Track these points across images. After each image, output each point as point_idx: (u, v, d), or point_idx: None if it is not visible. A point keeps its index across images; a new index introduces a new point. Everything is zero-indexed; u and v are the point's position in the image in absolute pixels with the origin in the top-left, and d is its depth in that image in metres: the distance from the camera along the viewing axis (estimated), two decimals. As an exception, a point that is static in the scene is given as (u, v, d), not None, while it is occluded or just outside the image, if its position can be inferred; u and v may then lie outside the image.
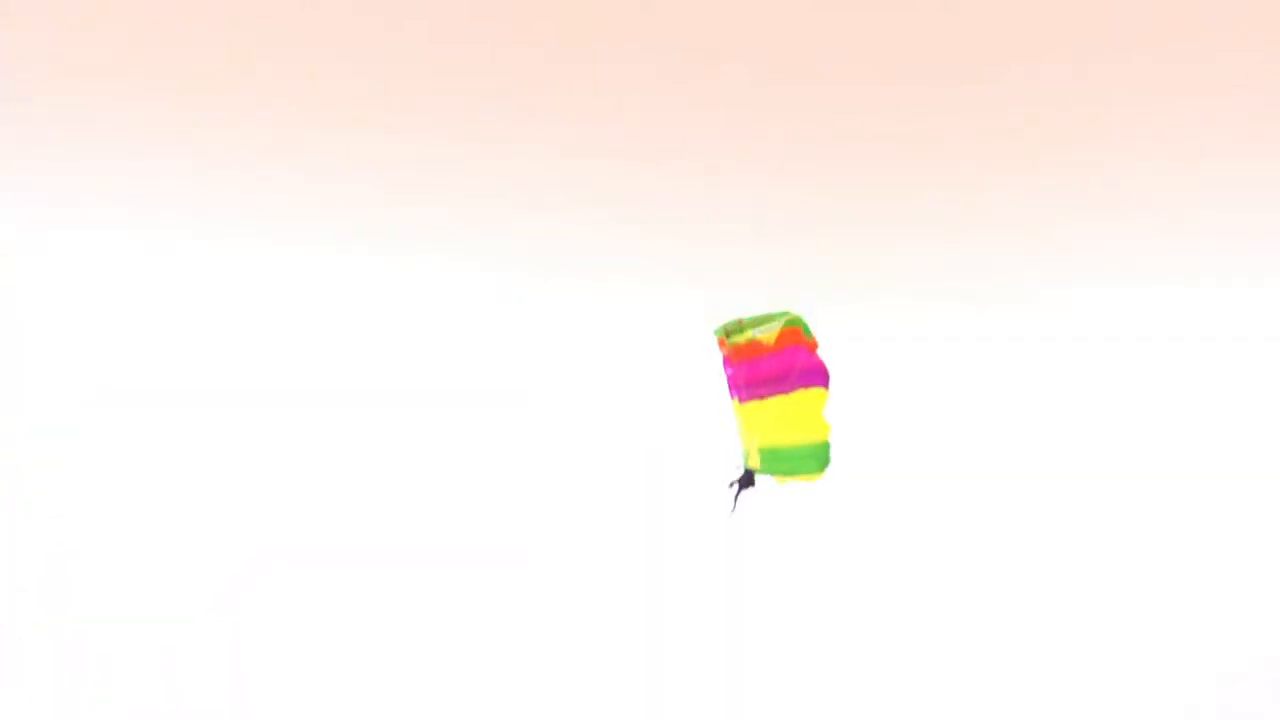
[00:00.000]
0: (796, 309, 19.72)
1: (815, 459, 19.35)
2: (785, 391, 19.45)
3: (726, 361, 19.25)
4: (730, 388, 19.28)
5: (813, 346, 19.51)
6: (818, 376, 19.58)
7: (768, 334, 19.21)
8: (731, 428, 19.70)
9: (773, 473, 18.91)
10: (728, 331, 18.89)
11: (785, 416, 19.20)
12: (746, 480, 22.98)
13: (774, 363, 19.39)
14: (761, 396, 19.23)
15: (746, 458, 19.25)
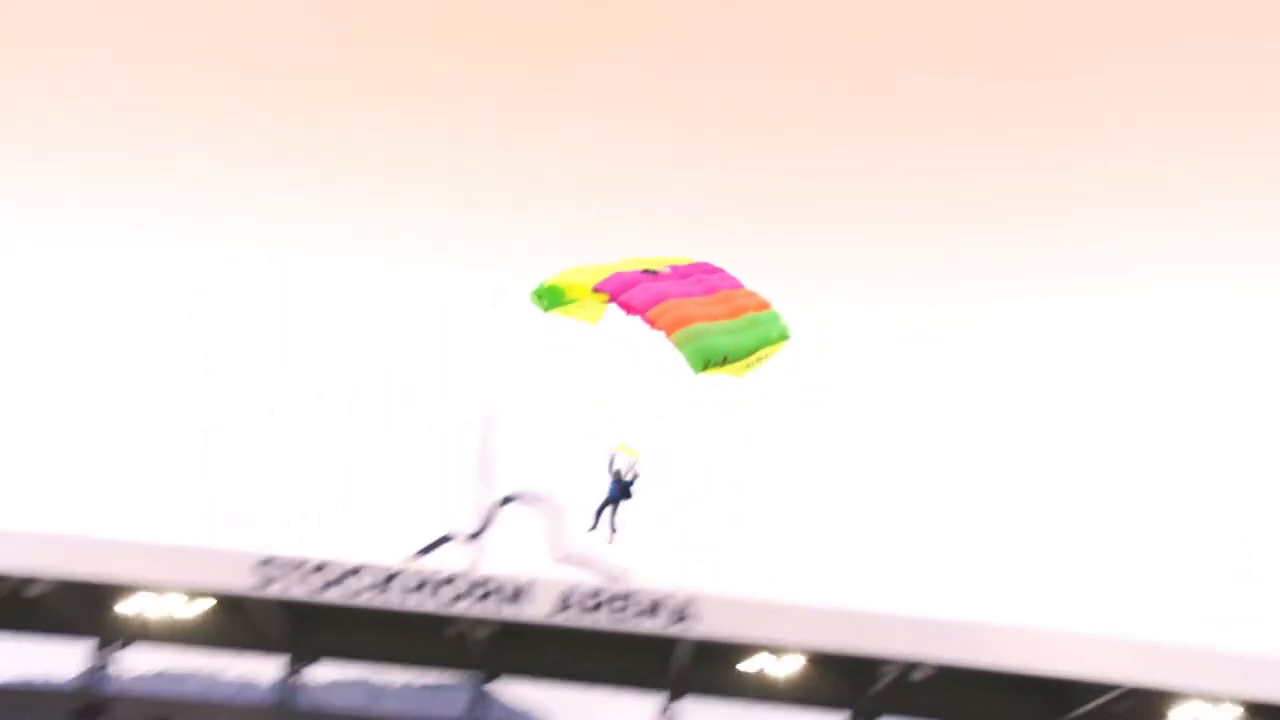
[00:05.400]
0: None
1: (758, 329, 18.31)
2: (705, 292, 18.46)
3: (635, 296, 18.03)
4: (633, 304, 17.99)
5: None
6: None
7: (744, 368, 18.49)
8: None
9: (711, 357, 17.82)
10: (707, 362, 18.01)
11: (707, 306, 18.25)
12: (623, 494, 21.62)
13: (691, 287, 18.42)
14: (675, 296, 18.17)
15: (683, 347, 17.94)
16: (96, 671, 56.84)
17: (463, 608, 48.78)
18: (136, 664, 59.06)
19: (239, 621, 53.19)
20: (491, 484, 60.29)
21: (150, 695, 58.82)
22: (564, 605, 48.80)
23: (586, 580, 52.85)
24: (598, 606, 48.79)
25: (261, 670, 60.05)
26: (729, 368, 18.60)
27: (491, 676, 58.67)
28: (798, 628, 50.29)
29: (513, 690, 64.74)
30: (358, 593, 48.37)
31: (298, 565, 48.21)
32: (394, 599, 48.31)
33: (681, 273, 18.95)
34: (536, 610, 48.95)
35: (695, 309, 18.35)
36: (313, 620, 53.78)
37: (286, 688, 57.60)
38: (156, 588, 49.85)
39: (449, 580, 48.71)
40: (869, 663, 51.48)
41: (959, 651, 49.86)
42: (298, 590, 48.28)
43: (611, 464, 21.47)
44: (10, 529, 49.92)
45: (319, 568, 48.34)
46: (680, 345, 18.06)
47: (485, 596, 48.43)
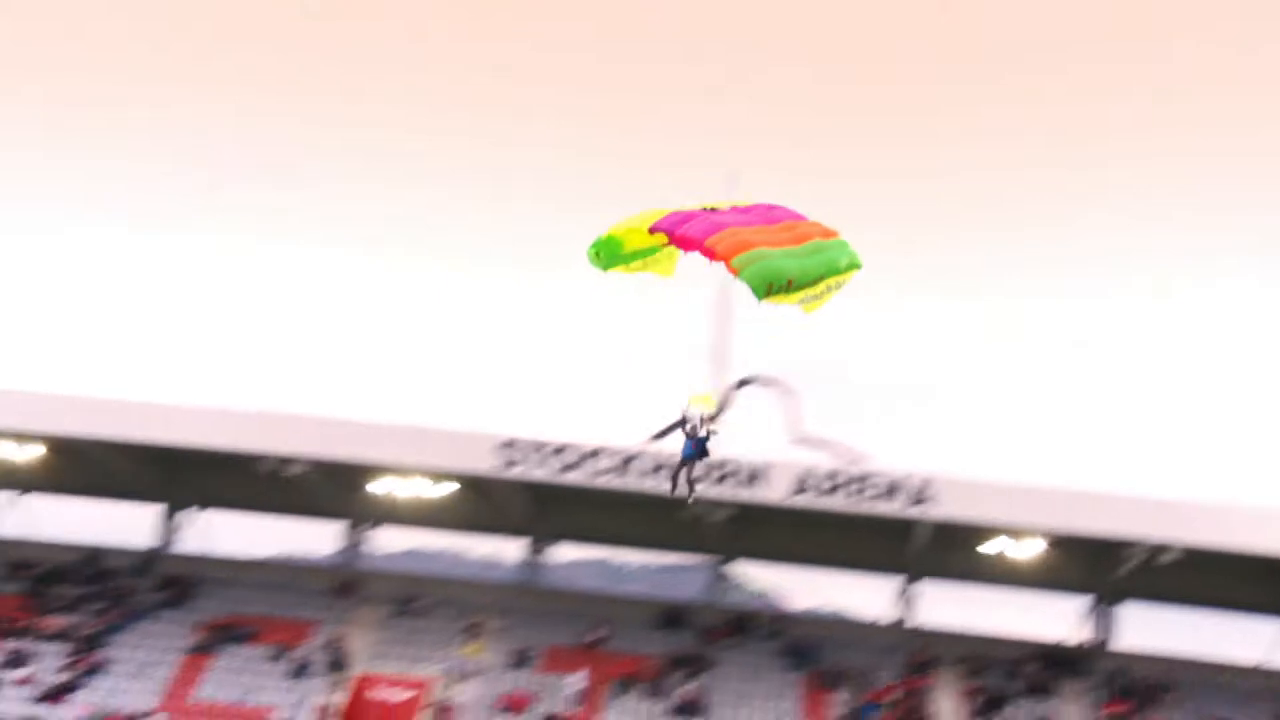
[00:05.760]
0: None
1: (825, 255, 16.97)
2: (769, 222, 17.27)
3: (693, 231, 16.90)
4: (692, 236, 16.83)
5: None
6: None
7: (813, 302, 17.19)
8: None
9: (772, 280, 16.44)
10: (770, 289, 16.67)
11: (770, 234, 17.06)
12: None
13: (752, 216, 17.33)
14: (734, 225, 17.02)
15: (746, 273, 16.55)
16: (350, 549, 59.18)
17: (700, 490, 49.11)
18: (387, 543, 61.34)
19: (482, 503, 54.61)
20: (726, 366, 60.07)
21: (400, 573, 61.09)
22: (801, 488, 48.80)
23: (824, 463, 52.71)
24: (835, 489, 48.66)
25: (505, 550, 61.75)
26: (795, 298, 17.38)
27: (728, 558, 59.26)
28: (1039, 510, 49.40)
29: (749, 572, 65.34)
30: (597, 475, 49.09)
31: (538, 448, 49.11)
32: (632, 481, 48.91)
33: (742, 209, 17.96)
34: (773, 493, 49.05)
35: (756, 235, 17.26)
36: (553, 501, 54.90)
37: (529, 567, 59.14)
38: (404, 470, 51.38)
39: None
40: (1113, 545, 50.37)
41: (1209, 534, 48.41)
42: (539, 472, 49.22)
43: (685, 421, 20.10)
44: (272, 411, 51.86)
45: (559, 450, 49.18)
46: (740, 269, 16.91)
47: (722, 479, 48.69)
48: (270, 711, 50.97)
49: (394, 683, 52.54)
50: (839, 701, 53.26)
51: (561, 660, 54.27)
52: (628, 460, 48.86)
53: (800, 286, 16.64)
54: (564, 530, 58.74)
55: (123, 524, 60.10)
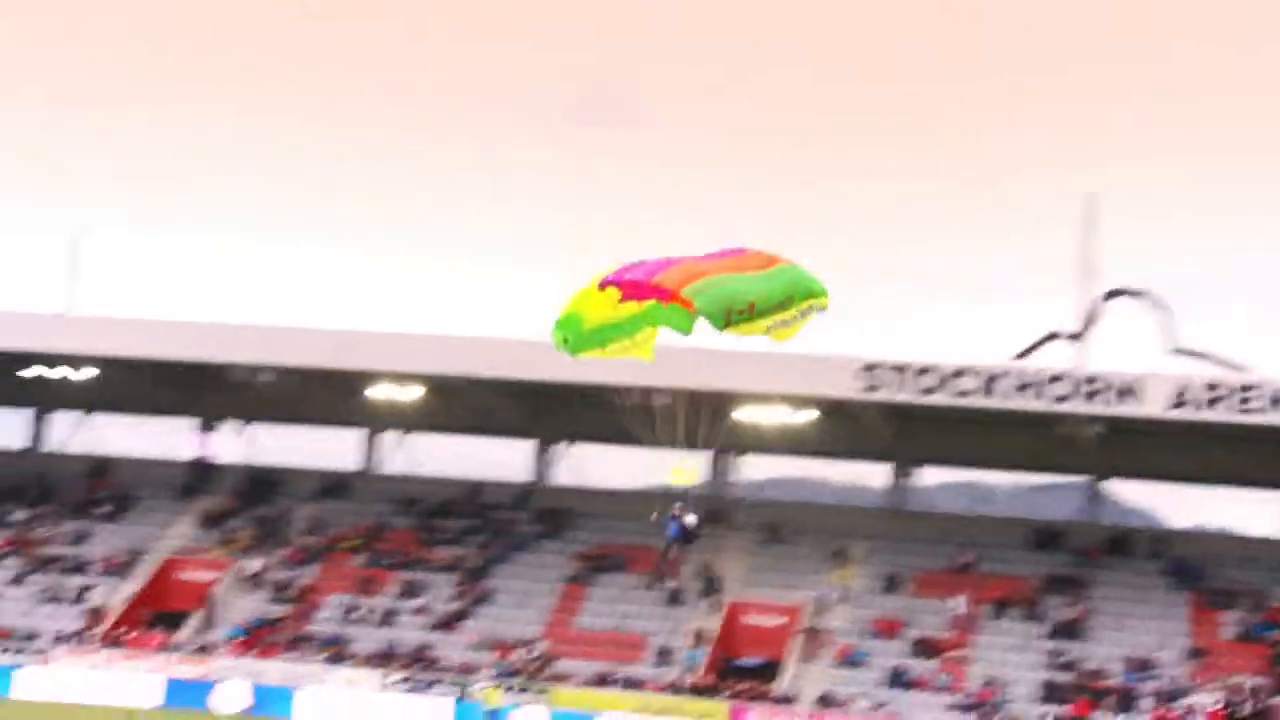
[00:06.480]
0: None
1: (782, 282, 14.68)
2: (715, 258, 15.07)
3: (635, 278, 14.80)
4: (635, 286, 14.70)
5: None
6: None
7: (784, 329, 15.03)
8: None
9: (725, 308, 14.15)
10: (729, 319, 14.50)
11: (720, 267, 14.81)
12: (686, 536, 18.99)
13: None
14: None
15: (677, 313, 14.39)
16: (717, 478, 59.86)
17: (1070, 407, 47.48)
18: (752, 470, 61.76)
19: (845, 427, 54.22)
20: (1096, 277, 57.96)
21: (767, 500, 61.48)
22: (1179, 401, 46.51)
23: (1203, 374, 50.20)
24: (1216, 401, 46.17)
25: (869, 475, 61.33)
26: (761, 325, 15.14)
27: (1102, 476, 57.27)
28: None
29: (1125, 490, 63.03)
30: (962, 395, 48.01)
31: (901, 370, 48.35)
32: (998, 400, 47.66)
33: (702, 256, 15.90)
34: (1148, 407, 46.93)
35: (709, 266, 15.15)
36: (918, 424, 54.10)
37: (895, 491, 58.61)
38: (765, 397, 51.42)
39: (1055, 379, 47.50)
40: None
41: None
42: (902, 395, 48.50)
43: (675, 503, 19.75)
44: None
45: (922, 371, 48.28)
46: (693, 299, 14.64)
47: (1093, 395, 46.92)
48: (647, 639, 52.26)
49: (766, 608, 53.09)
50: (1231, 621, 50.93)
51: (932, 584, 53.71)
52: (992, 379, 47.62)
53: (765, 311, 14.54)
54: (928, 453, 57.90)
55: (500, 459, 62.50)
